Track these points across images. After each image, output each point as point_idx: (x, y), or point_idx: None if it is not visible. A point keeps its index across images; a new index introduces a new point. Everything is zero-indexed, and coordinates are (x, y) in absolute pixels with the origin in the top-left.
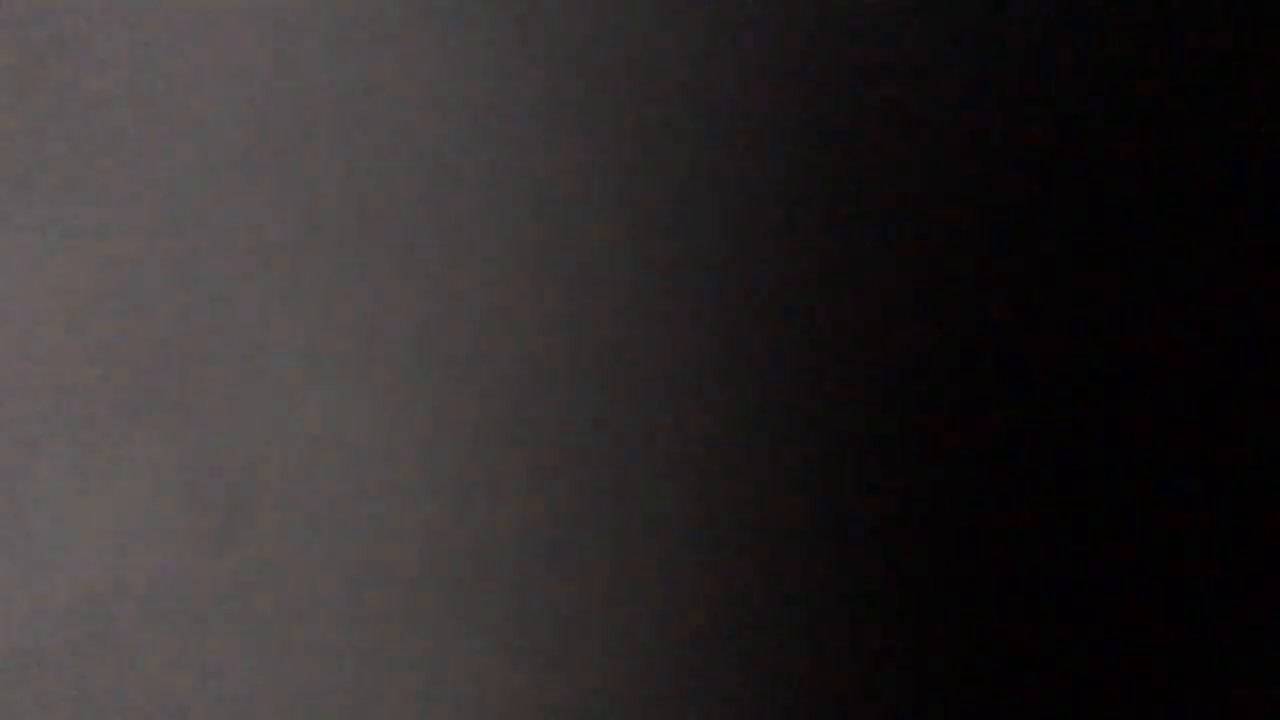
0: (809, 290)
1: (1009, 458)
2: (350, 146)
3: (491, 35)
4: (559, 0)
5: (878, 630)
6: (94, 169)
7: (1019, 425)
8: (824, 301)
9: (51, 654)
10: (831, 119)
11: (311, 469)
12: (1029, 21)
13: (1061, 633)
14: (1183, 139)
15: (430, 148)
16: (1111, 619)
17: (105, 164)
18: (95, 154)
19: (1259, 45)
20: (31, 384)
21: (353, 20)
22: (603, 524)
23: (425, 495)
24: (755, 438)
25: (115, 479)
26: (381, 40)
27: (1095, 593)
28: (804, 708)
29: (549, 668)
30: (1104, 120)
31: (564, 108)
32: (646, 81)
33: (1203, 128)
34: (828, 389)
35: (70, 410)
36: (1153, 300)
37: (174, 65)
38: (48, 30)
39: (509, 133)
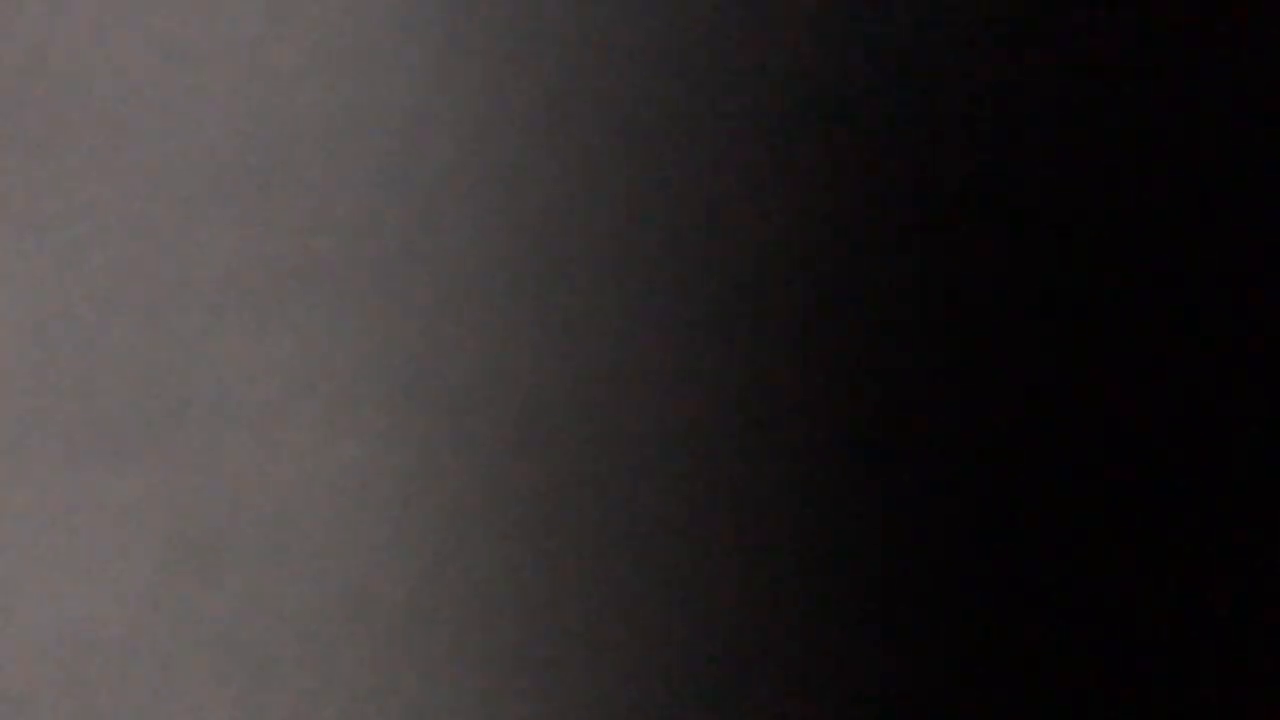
0: (804, 291)
1: (1009, 458)
2: (331, 176)
3: (479, 57)
4: (546, 19)
5: (878, 631)
6: (71, 201)
7: (1018, 426)
8: (821, 302)
9: (28, 698)
10: (827, 117)
11: (293, 507)
12: (1030, 22)
13: (1062, 634)
14: (1183, 139)
15: (415, 175)
16: (1111, 619)
17: (80, 195)
18: (72, 185)
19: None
20: (8, 421)
21: (337, 43)
22: (599, 566)
23: (409, 533)
24: (753, 461)
25: (92, 519)
26: (365, 63)
27: (1095, 593)
28: (802, 708)
29: (539, 707)
30: (1104, 121)
31: (553, 133)
32: (638, 95)
33: (1203, 128)
34: (824, 392)
35: (46, 450)
36: (1153, 300)
37: (148, 90)
38: (15, 57)
39: (497, 159)
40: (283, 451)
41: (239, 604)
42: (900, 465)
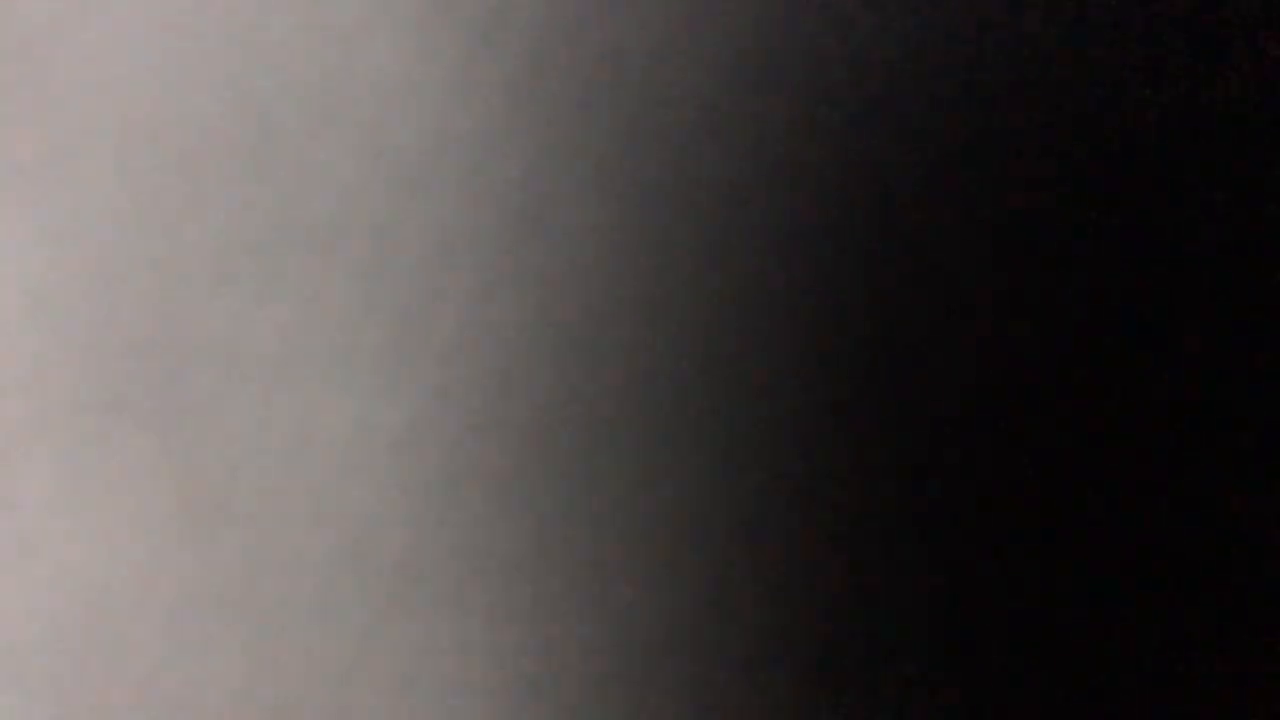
0: (797, 289)
1: (1009, 459)
2: (323, 145)
3: (459, 27)
4: None
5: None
6: (71, 171)
7: (1018, 427)
8: (817, 301)
9: (41, 648)
10: (822, 115)
11: (290, 465)
12: (1030, 23)
13: (1063, 636)
14: (1183, 140)
15: (404, 143)
16: (1111, 621)
17: (82, 166)
18: (71, 157)
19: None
20: (18, 387)
21: (322, 17)
22: (583, 515)
23: (403, 484)
24: (733, 436)
25: (101, 478)
26: (350, 35)
27: (1094, 595)
28: (798, 706)
29: (529, 654)
30: (1104, 122)
31: (535, 100)
32: (619, 77)
33: (1203, 129)
34: (820, 388)
35: (56, 412)
36: (1153, 301)
37: (144, 65)
38: (16, 30)
39: (481, 125)
40: (281, 409)
41: (243, 553)
42: (899, 466)
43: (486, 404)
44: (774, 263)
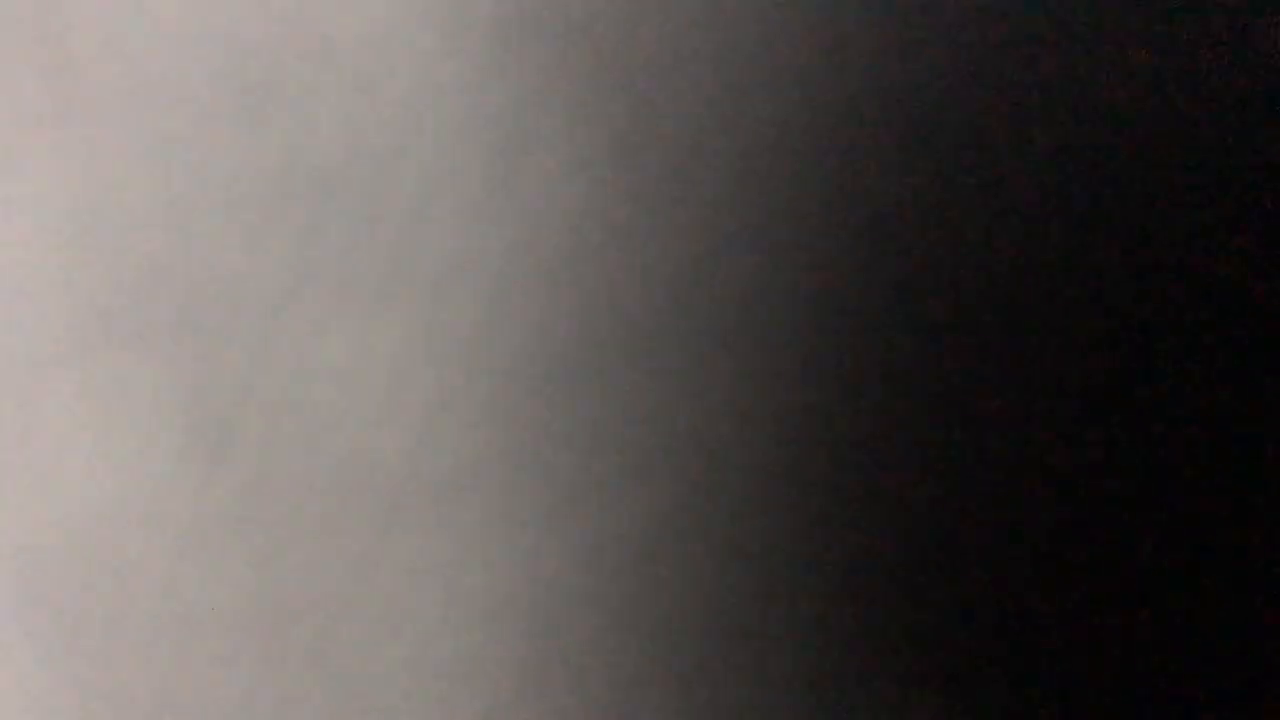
0: (798, 286)
1: (1010, 460)
2: (321, 92)
3: None
4: None
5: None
6: (90, 121)
7: (1020, 428)
8: (819, 300)
9: (60, 562)
10: (827, 114)
11: (294, 391)
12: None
13: (1062, 634)
14: (1182, 141)
15: (396, 90)
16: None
17: (101, 117)
18: (90, 108)
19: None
20: (44, 319)
21: None
22: (570, 432)
23: (396, 412)
24: (716, 353)
25: (118, 403)
26: None
27: (1094, 595)
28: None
29: (520, 567)
30: (1105, 123)
31: (518, 47)
32: (596, 24)
33: (1203, 130)
34: (819, 387)
35: (77, 342)
36: (1155, 303)
37: (156, 21)
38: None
39: (468, 73)
40: (283, 339)
41: (248, 474)
42: (898, 467)
43: (475, 331)
44: (747, 193)
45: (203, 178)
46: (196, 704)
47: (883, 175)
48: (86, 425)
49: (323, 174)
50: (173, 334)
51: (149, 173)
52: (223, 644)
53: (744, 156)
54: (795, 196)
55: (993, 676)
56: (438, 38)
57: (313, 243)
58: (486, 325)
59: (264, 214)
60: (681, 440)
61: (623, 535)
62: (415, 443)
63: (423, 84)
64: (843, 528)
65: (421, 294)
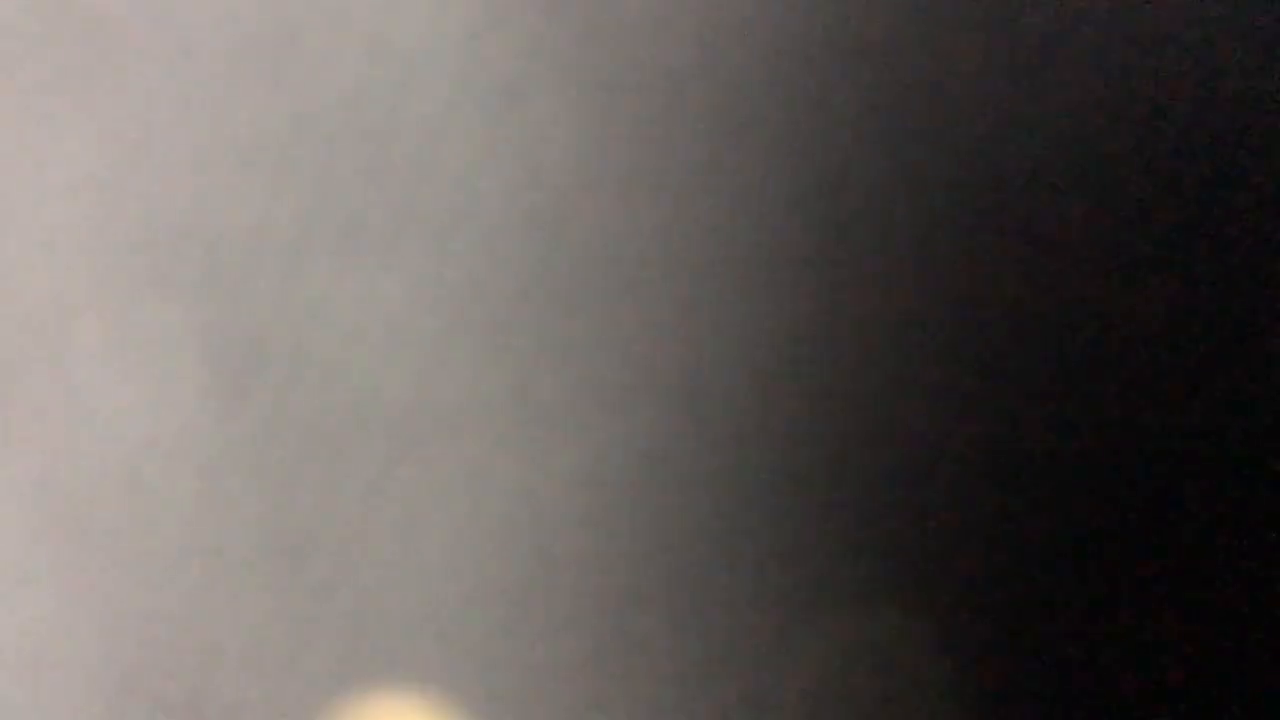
0: (787, 217)
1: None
2: (332, 49)
3: None
4: None
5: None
6: (119, 77)
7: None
8: (808, 229)
9: (86, 498)
10: (813, 60)
11: (308, 333)
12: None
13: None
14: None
15: (402, 44)
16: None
17: (129, 73)
18: (119, 65)
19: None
20: (74, 263)
21: None
22: (565, 365)
23: (403, 350)
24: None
25: (142, 347)
26: None
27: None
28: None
29: (521, 494)
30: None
31: (518, 2)
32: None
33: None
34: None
35: (103, 289)
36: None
37: None
38: None
39: (469, 27)
40: (298, 285)
41: (266, 414)
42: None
43: (476, 275)
44: (733, 133)
45: (222, 134)
46: (216, 630)
47: (881, 89)
48: (114, 367)
49: (333, 129)
50: (195, 281)
51: (173, 128)
52: (242, 571)
53: (731, 99)
54: (780, 131)
55: (990, 600)
56: None
57: (325, 194)
58: (487, 269)
59: (279, 168)
60: (671, 370)
61: (616, 461)
62: (421, 379)
63: (424, 39)
64: (829, 449)
65: (426, 240)
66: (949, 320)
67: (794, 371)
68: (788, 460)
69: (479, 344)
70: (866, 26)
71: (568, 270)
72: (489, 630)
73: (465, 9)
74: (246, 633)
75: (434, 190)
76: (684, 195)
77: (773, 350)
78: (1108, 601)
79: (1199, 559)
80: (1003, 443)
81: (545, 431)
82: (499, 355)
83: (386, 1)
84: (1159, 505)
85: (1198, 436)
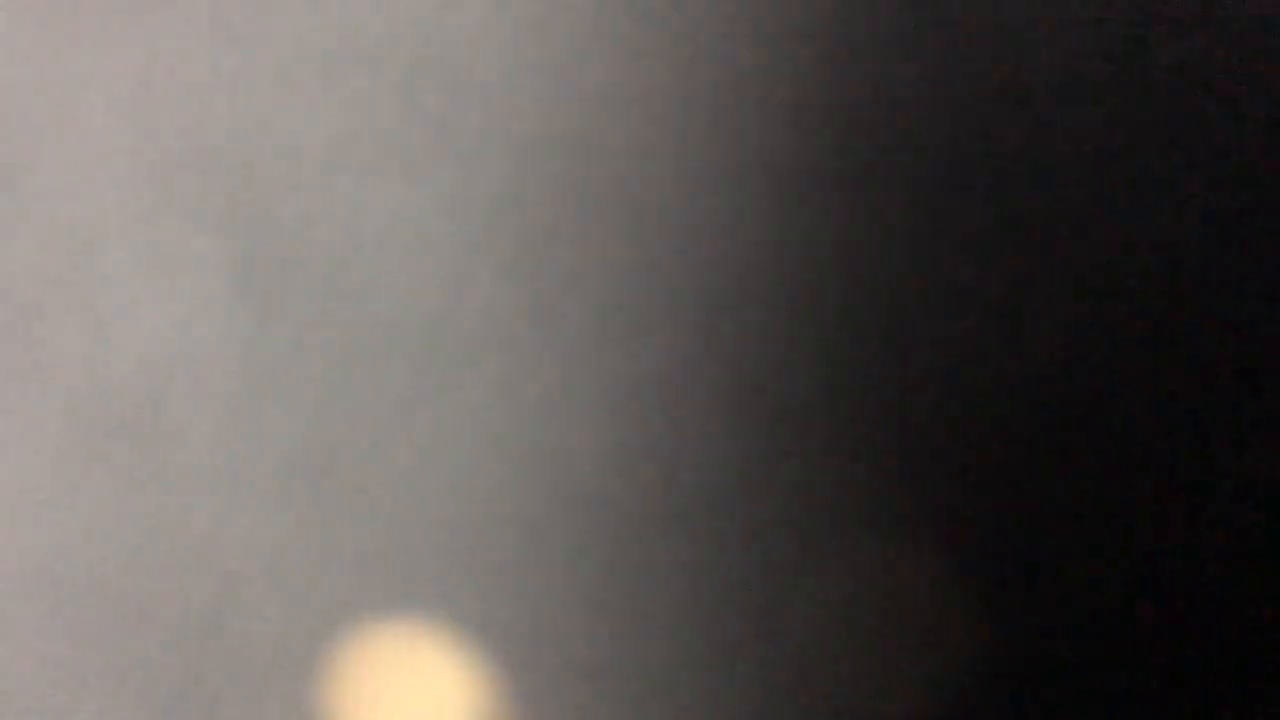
0: (804, 145)
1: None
2: None
3: None
4: None
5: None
6: (161, 9)
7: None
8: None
9: (116, 420)
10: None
11: (336, 255)
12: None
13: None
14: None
15: None
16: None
17: (170, 5)
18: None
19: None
20: (106, 189)
21: None
22: (588, 289)
23: (430, 270)
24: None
25: (173, 268)
26: None
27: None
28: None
29: (543, 415)
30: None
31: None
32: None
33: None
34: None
35: (136, 211)
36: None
37: None
38: None
39: None
40: (327, 208)
41: (293, 334)
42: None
43: (500, 199)
44: (752, 62)
45: (256, 57)
46: (235, 553)
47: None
48: (146, 288)
49: (368, 50)
50: (226, 203)
51: (208, 52)
52: (262, 494)
53: (766, 14)
54: (814, 43)
55: (995, 523)
56: None
57: (357, 115)
58: (512, 194)
59: (312, 90)
60: (696, 294)
61: (637, 385)
62: (447, 300)
63: None
64: (853, 377)
65: (454, 161)
66: (968, 257)
67: (820, 295)
68: (811, 389)
69: (503, 267)
70: None
71: (596, 191)
72: (505, 556)
73: None
74: (265, 556)
75: (464, 110)
76: (714, 113)
77: (800, 274)
78: (1123, 531)
79: (1214, 481)
80: (1016, 374)
81: (569, 353)
82: (521, 278)
83: None
84: (1177, 429)
85: (1204, 362)
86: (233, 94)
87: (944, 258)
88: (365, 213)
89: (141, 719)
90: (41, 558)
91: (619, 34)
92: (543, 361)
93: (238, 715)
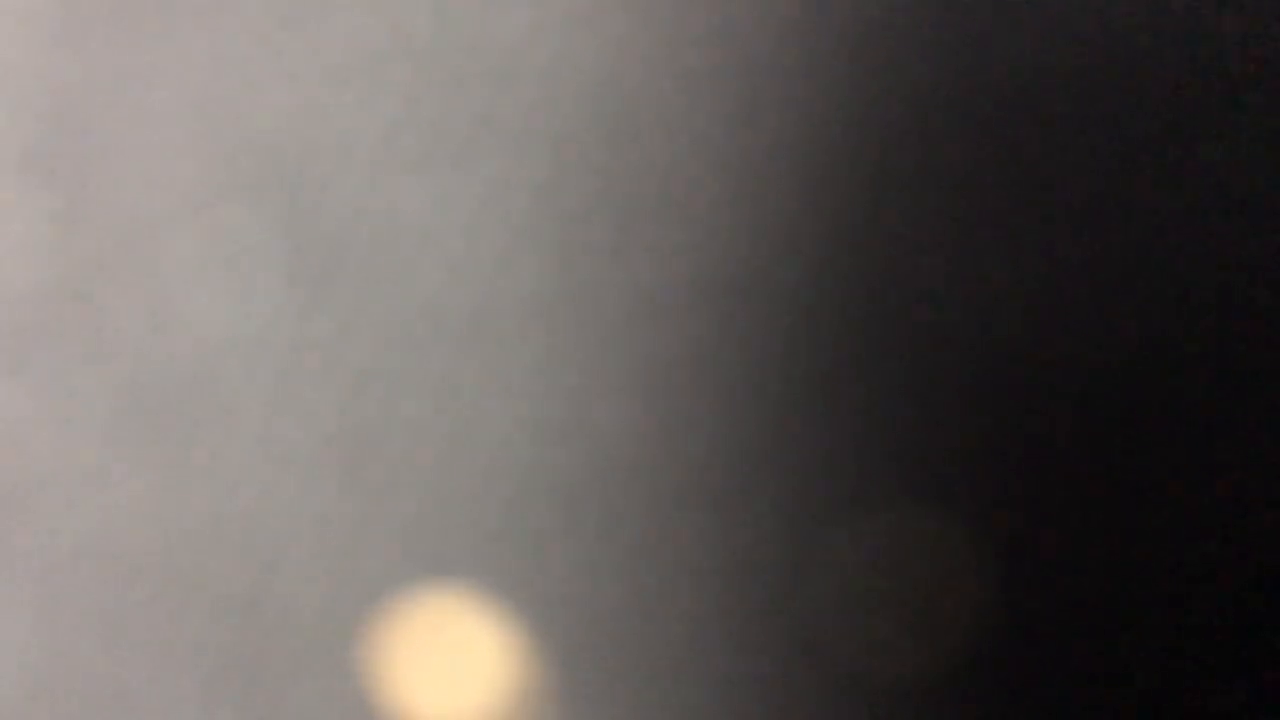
0: (821, 125)
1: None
2: None
3: None
4: None
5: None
6: (219, 5)
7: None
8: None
9: (169, 397)
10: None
11: (387, 239)
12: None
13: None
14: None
15: None
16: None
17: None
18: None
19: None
20: (167, 177)
21: None
22: (623, 274)
23: (476, 258)
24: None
25: (228, 253)
26: None
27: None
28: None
29: (577, 394)
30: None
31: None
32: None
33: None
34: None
35: (195, 198)
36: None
37: None
38: None
39: None
40: (376, 199)
41: (341, 318)
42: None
43: (543, 188)
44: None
45: (312, 55)
46: (290, 520)
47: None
48: (201, 272)
49: (418, 47)
50: (280, 191)
51: (266, 51)
52: (315, 466)
53: (808, 7)
54: (860, 34)
55: (1015, 496)
56: None
57: (408, 108)
58: (554, 182)
59: (364, 86)
60: (732, 280)
61: (669, 365)
62: (490, 286)
63: None
64: (874, 362)
65: (501, 152)
66: (981, 231)
67: (848, 282)
68: (838, 369)
69: (542, 252)
70: None
71: (634, 182)
72: (541, 530)
73: None
74: (311, 530)
75: (512, 102)
76: (751, 107)
77: (830, 261)
78: (1138, 501)
79: (1229, 439)
80: (1029, 343)
81: (605, 337)
82: (560, 263)
83: None
84: (1188, 396)
85: (1207, 310)
86: (289, 90)
87: (967, 247)
88: (413, 203)
89: (190, 687)
90: (96, 532)
91: (658, 31)
92: (580, 344)
93: (282, 683)
